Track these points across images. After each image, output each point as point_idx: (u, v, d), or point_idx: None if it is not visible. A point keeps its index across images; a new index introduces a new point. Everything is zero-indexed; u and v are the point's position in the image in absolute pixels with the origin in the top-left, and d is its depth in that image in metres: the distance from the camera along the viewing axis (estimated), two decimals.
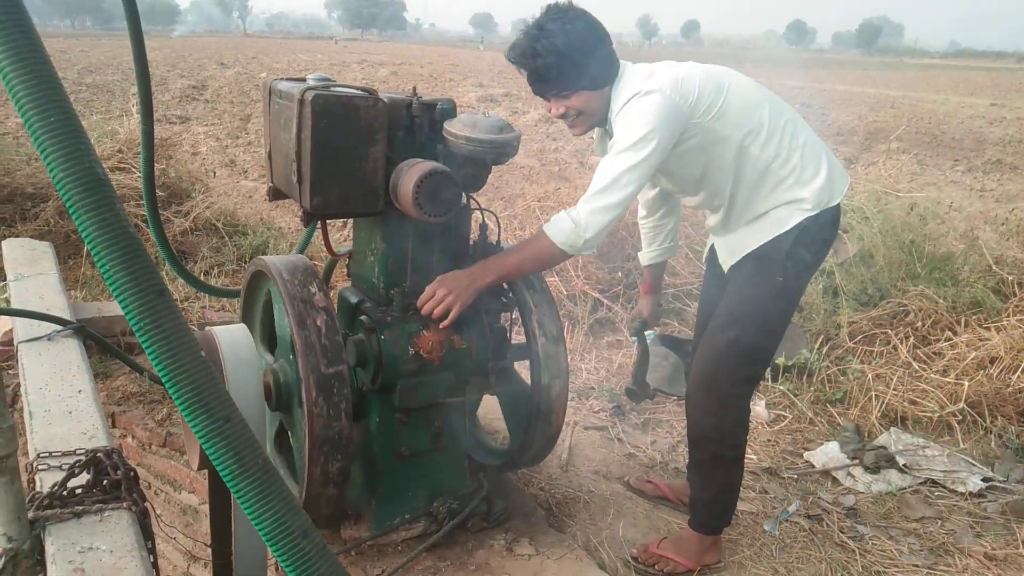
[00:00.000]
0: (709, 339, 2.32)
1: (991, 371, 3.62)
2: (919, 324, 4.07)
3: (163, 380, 0.93)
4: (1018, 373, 3.57)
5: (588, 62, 2.12)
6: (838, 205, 2.24)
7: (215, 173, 7.85)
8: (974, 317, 4.09)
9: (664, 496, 2.83)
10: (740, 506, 2.83)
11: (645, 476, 2.99)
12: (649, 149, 2.02)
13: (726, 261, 2.39)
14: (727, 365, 2.27)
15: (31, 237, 3.94)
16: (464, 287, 2.15)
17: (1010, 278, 4.39)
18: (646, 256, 2.77)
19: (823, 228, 2.22)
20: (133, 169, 5.29)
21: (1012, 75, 48.99)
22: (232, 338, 1.81)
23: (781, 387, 3.75)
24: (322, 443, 1.96)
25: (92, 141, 0.93)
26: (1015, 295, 4.25)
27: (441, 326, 2.16)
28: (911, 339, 3.98)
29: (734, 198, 2.25)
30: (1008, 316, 3.99)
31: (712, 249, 2.54)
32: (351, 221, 2.98)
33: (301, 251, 2.92)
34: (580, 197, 2.12)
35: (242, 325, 1.91)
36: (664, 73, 2.14)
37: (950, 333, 3.99)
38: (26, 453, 1.75)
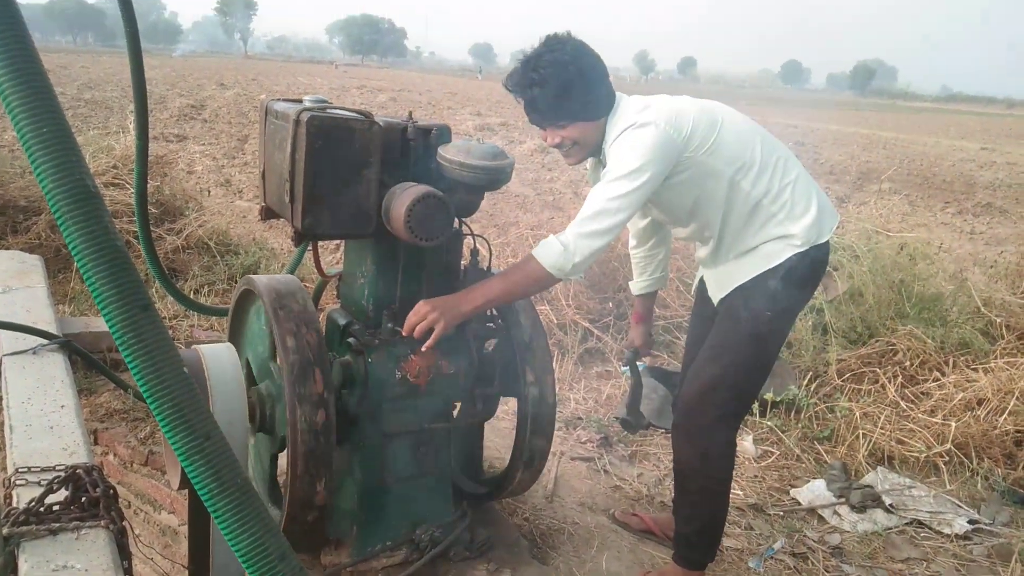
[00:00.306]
0: (696, 372, 2.32)
1: (978, 412, 3.63)
2: (907, 363, 4.08)
3: (144, 395, 0.92)
4: (1005, 415, 3.57)
5: (585, 93, 2.14)
6: (827, 242, 2.26)
7: (209, 192, 7.85)
8: (962, 358, 4.11)
9: (649, 530, 2.81)
10: (725, 542, 2.81)
11: (631, 509, 2.97)
12: (641, 180, 2.04)
13: (715, 294, 2.40)
14: (713, 398, 2.27)
15: (21, 250, 3.92)
16: (450, 308, 2.13)
17: (998, 320, 4.42)
18: (637, 286, 2.76)
19: (812, 264, 2.23)
20: (127, 185, 5.28)
21: (1002, 120, 49.71)
22: (218, 357, 1.80)
23: (769, 423, 3.74)
24: (305, 464, 1.94)
25: (87, 156, 0.93)
26: (1003, 337, 4.27)
27: (424, 347, 2.13)
28: (899, 378, 3.99)
29: (724, 231, 2.26)
30: (996, 358, 4.00)
31: (702, 281, 2.55)
32: (343, 243, 2.98)
33: (291, 272, 2.91)
34: None
35: (228, 344, 1.90)
36: (659, 106, 2.16)
37: (938, 373, 4.00)
38: (4, 468, 1.73)
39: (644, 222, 2.60)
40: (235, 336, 2.53)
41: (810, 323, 4.41)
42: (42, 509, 1.36)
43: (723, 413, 2.29)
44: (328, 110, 2.04)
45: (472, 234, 2.39)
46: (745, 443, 3.58)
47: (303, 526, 2.03)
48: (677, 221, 2.38)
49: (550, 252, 2.09)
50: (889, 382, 3.95)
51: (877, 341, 4.26)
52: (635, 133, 2.08)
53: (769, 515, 3.09)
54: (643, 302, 2.81)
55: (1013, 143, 25.22)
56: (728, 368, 2.24)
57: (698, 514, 2.38)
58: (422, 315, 2.12)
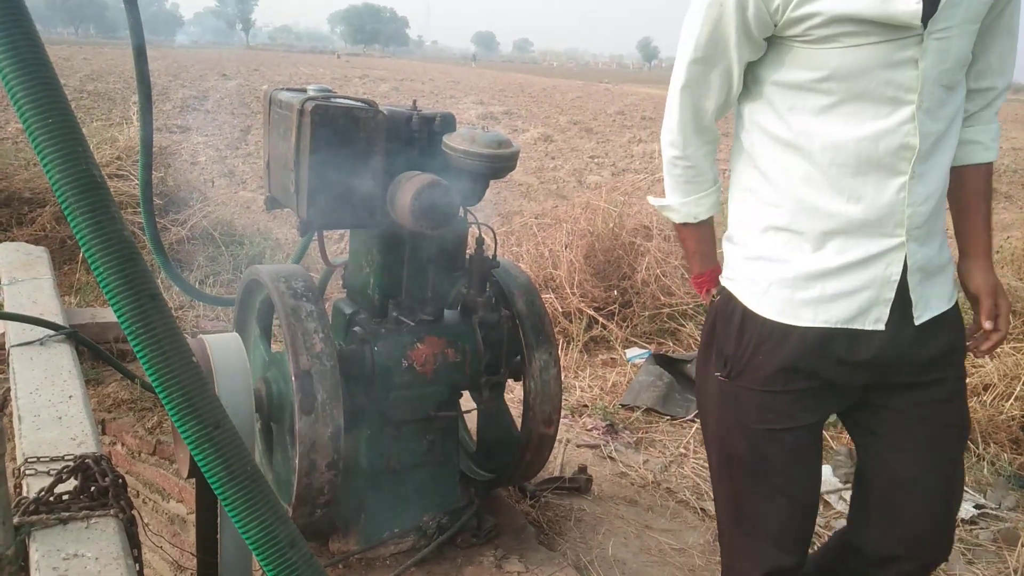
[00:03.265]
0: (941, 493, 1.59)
1: (984, 398, 3.62)
2: None
3: (153, 384, 0.93)
4: (1011, 400, 3.57)
5: None
6: None
7: (213, 183, 7.85)
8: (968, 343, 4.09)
9: None
10: None
11: (637, 496, 2.97)
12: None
13: (929, 309, 1.52)
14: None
15: (27, 242, 3.94)
16: None
17: None
18: (703, 204, 1.65)
19: None
20: (131, 176, 5.30)
21: (1008, 105, 49.33)
22: (224, 346, 1.81)
23: None
24: (312, 453, 1.95)
25: (92, 148, 0.93)
26: (1009, 322, 4.26)
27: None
28: None
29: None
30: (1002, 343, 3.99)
31: (824, 339, 1.47)
32: (348, 233, 2.98)
33: (297, 261, 2.92)
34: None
35: (235, 334, 1.91)
36: None
37: None
38: (14, 458, 1.74)
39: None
40: (241, 326, 2.54)
41: None
42: (52, 498, 1.37)
43: None
44: (332, 99, 2.03)
45: (477, 223, 2.39)
46: None
47: (323, 481, 1.98)
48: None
49: None
50: None
51: None
52: None
53: None
54: (708, 235, 1.72)
55: (1019, 128, 25.08)
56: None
57: None
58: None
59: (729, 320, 1.56)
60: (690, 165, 1.59)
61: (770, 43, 1.45)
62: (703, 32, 1.45)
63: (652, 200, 1.78)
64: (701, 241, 1.70)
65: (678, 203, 1.64)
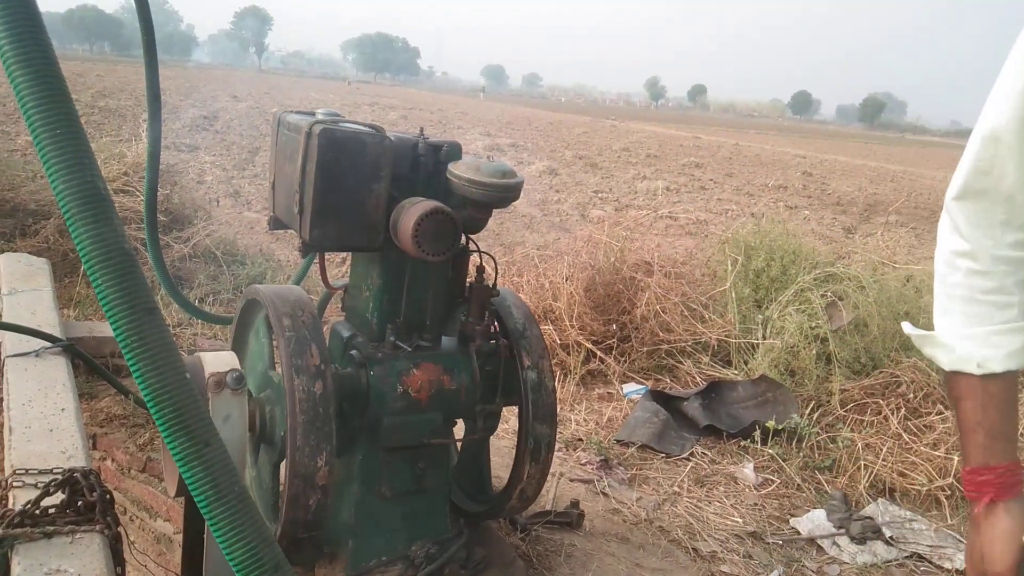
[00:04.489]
0: None
1: None
2: (911, 396, 4.05)
3: (145, 398, 0.92)
4: None
5: None
6: None
7: (218, 202, 7.89)
8: None
9: None
10: (722, 568, 2.79)
11: (629, 533, 2.94)
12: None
13: None
14: None
15: (29, 253, 3.94)
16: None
17: None
18: (997, 344, 1.06)
19: None
20: (137, 192, 5.33)
21: None
22: (220, 364, 1.80)
23: (770, 451, 3.71)
24: (303, 476, 1.93)
25: (99, 162, 0.94)
26: None
27: None
28: (902, 410, 3.96)
29: None
30: None
31: None
32: (349, 257, 2.99)
33: (297, 283, 2.92)
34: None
35: (231, 352, 1.90)
36: None
37: (941, 407, 3.97)
38: (2, 469, 1.73)
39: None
40: (238, 345, 2.53)
41: (814, 352, 4.39)
42: (37, 512, 1.36)
43: None
44: (340, 123, 2.05)
45: (479, 251, 2.40)
46: (746, 470, 3.56)
47: (305, 511, 1.98)
48: None
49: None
50: (892, 414, 3.93)
51: (881, 372, 4.24)
52: None
53: (768, 544, 3.06)
54: (1007, 400, 1.09)
55: None
56: None
57: None
58: None
59: None
60: (984, 272, 1.03)
61: None
62: None
63: (908, 329, 1.16)
64: (992, 409, 1.03)
65: (955, 336, 1.04)
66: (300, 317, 2.05)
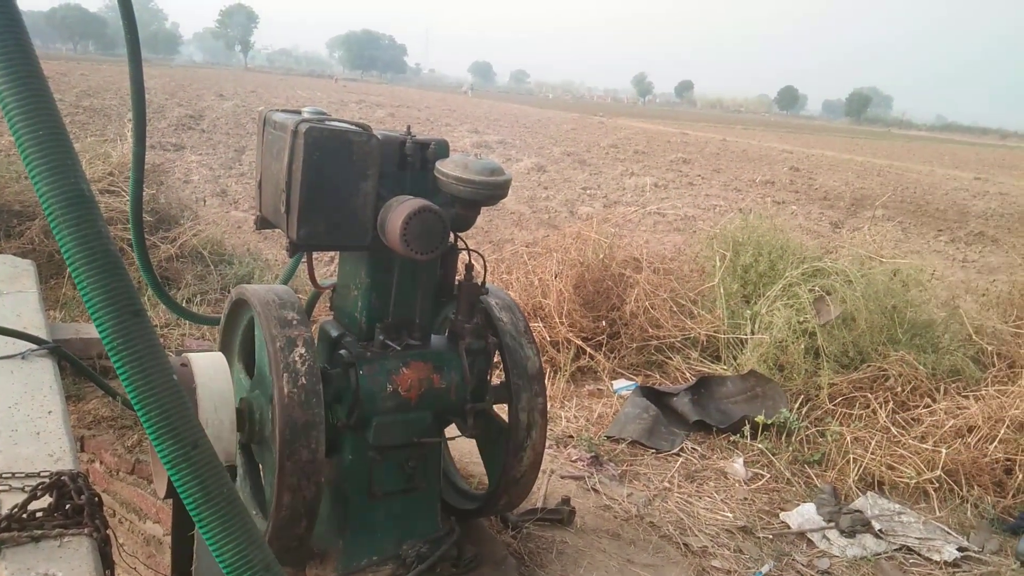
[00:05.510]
0: None
1: (969, 440, 3.63)
2: (899, 389, 4.08)
3: (131, 400, 0.92)
4: (995, 443, 3.57)
5: None
6: None
7: (205, 202, 7.85)
8: (953, 385, 4.11)
9: None
10: (713, 563, 2.80)
11: (620, 529, 2.95)
12: None
13: None
14: None
15: (14, 255, 3.91)
16: None
17: (989, 348, 4.43)
18: None
19: None
20: (122, 192, 5.28)
21: (995, 151, 50.12)
22: (208, 365, 1.79)
23: (759, 445, 3.73)
24: (292, 476, 1.93)
25: (84, 163, 0.93)
26: (994, 365, 4.28)
27: None
28: (890, 404, 3.99)
29: None
30: (987, 386, 4.01)
31: None
32: (337, 255, 2.98)
33: (285, 282, 2.91)
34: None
35: (219, 353, 1.89)
36: None
37: (929, 400, 4.00)
38: None
39: None
40: (226, 346, 2.52)
41: (802, 347, 4.41)
42: (25, 516, 1.35)
43: None
44: (327, 121, 2.04)
45: (468, 249, 2.39)
46: (735, 465, 3.57)
47: (289, 539, 2.00)
48: None
49: None
50: (880, 407, 3.95)
51: (869, 366, 4.26)
52: None
53: (758, 538, 3.07)
54: None
55: (1006, 173, 25.40)
56: None
57: None
58: None
59: None
60: None
61: None
62: None
63: None
64: None
65: None
66: (288, 317, 2.04)
